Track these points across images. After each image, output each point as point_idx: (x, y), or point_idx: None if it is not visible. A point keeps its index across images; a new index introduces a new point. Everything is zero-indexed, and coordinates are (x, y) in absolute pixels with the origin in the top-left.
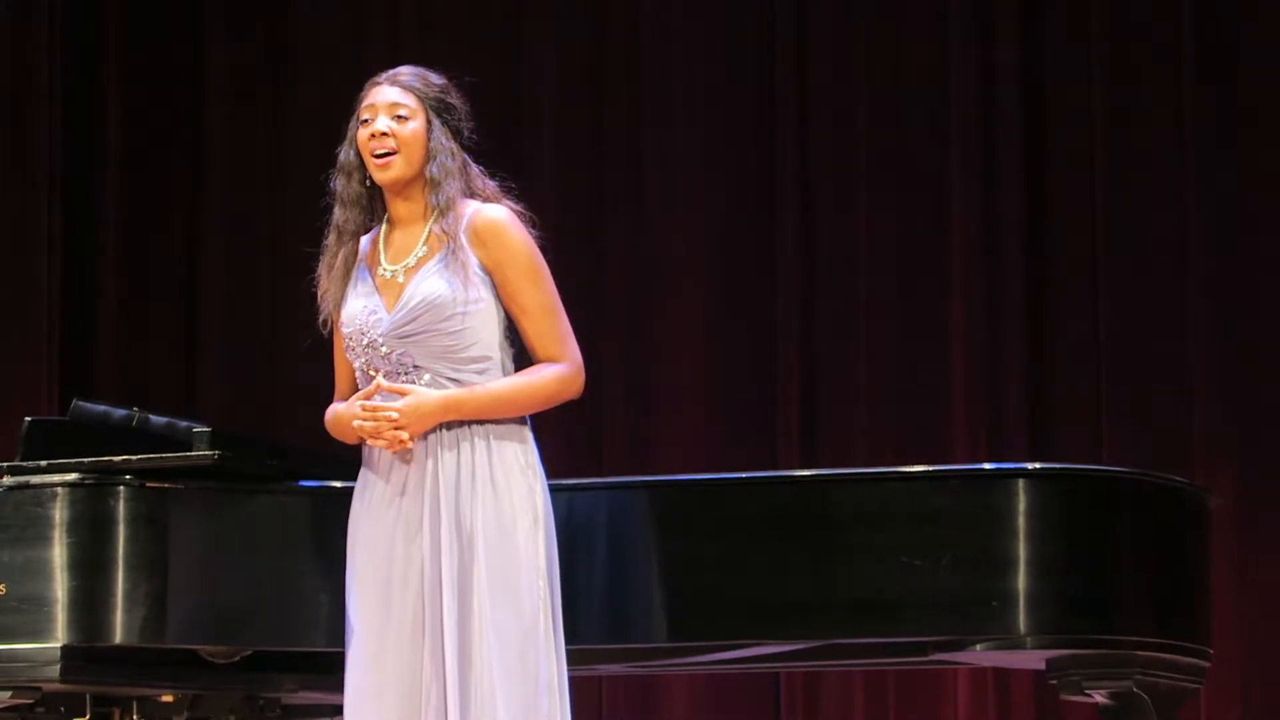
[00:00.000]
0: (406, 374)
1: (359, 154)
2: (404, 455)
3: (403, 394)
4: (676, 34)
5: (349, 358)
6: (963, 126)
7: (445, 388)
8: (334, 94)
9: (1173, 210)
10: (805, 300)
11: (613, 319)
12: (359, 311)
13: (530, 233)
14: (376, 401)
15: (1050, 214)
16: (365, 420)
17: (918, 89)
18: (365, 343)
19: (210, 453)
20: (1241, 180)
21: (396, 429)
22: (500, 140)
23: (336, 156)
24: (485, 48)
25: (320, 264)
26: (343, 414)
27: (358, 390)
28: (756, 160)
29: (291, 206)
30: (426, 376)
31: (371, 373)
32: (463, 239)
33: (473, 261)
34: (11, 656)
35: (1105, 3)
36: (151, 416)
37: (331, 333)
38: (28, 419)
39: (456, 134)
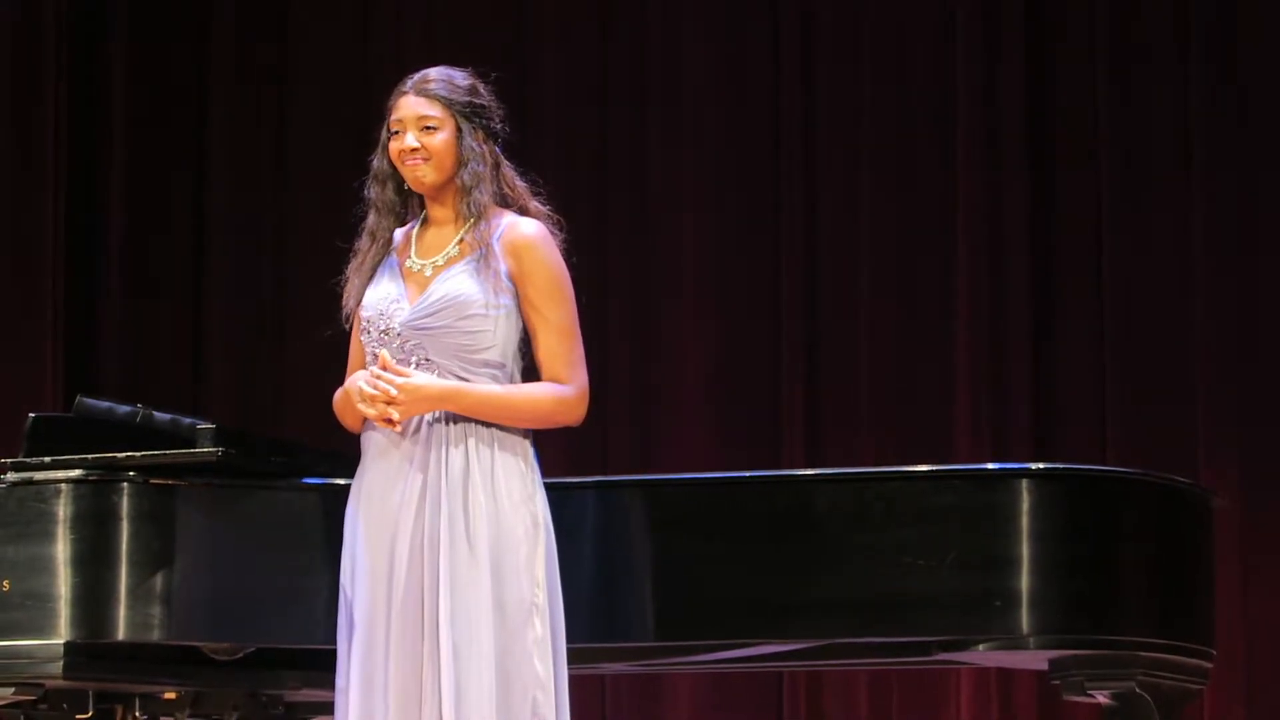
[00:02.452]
0: (417, 367)
1: (391, 162)
2: (407, 447)
3: (402, 375)
4: (680, 35)
5: (363, 340)
6: (966, 126)
7: None
8: (338, 94)
9: (1176, 210)
10: (808, 300)
11: (617, 319)
12: (382, 297)
13: (555, 235)
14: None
15: (1054, 213)
16: (368, 384)
17: (921, 89)
18: (382, 328)
19: (214, 449)
20: (1245, 181)
21: (390, 404)
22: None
23: (370, 163)
24: (488, 48)
25: (349, 264)
26: (353, 384)
27: None
28: (760, 161)
29: (295, 206)
30: (436, 372)
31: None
32: (495, 247)
33: (503, 269)
34: (14, 653)
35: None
36: (155, 413)
37: (351, 328)
38: (32, 414)
39: (489, 134)
